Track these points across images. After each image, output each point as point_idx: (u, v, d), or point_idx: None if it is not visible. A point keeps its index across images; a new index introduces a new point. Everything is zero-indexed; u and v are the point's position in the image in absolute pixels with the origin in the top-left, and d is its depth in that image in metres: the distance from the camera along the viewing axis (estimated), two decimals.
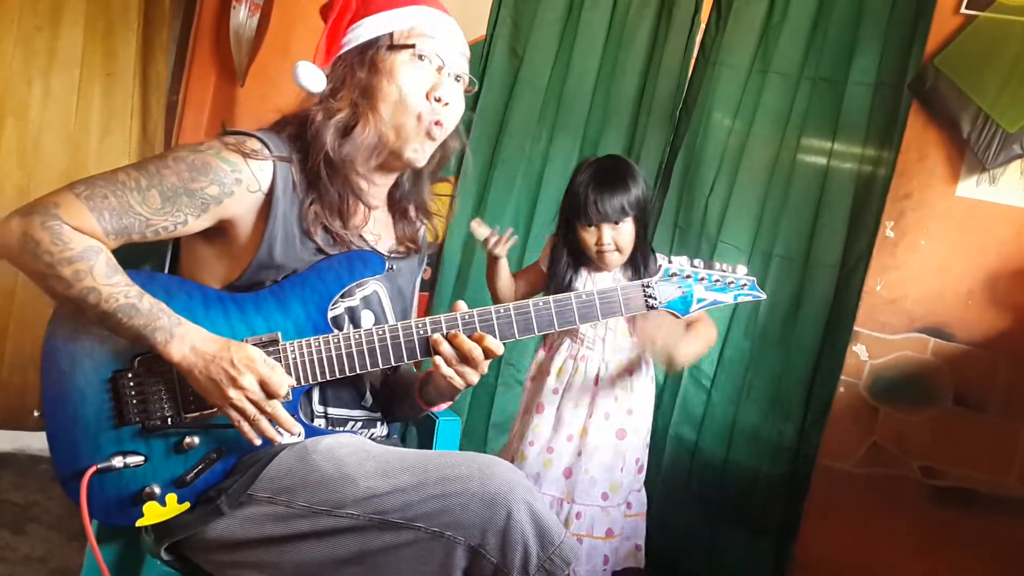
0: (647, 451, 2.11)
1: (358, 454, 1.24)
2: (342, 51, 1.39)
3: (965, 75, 2.03)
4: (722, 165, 2.43)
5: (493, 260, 2.06)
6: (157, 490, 1.26)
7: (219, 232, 1.33)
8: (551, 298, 1.35)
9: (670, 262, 1.44)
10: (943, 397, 2.03)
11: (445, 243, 2.70)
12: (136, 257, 1.52)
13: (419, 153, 1.39)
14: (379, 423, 1.51)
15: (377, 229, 1.47)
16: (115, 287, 1.18)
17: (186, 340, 1.20)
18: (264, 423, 1.22)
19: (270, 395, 1.22)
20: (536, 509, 1.14)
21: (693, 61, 2.49)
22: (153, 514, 1.26)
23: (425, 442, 1.81)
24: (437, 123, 1.37)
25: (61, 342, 1.28)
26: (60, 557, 2.23)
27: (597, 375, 2.04)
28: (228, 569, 1.30)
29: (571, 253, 2.05)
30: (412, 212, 1.53)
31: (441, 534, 1.13)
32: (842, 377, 2.11)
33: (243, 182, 1.29)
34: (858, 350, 2.10)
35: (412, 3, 1.39)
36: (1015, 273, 1.98)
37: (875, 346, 2.09)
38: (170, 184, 1.24)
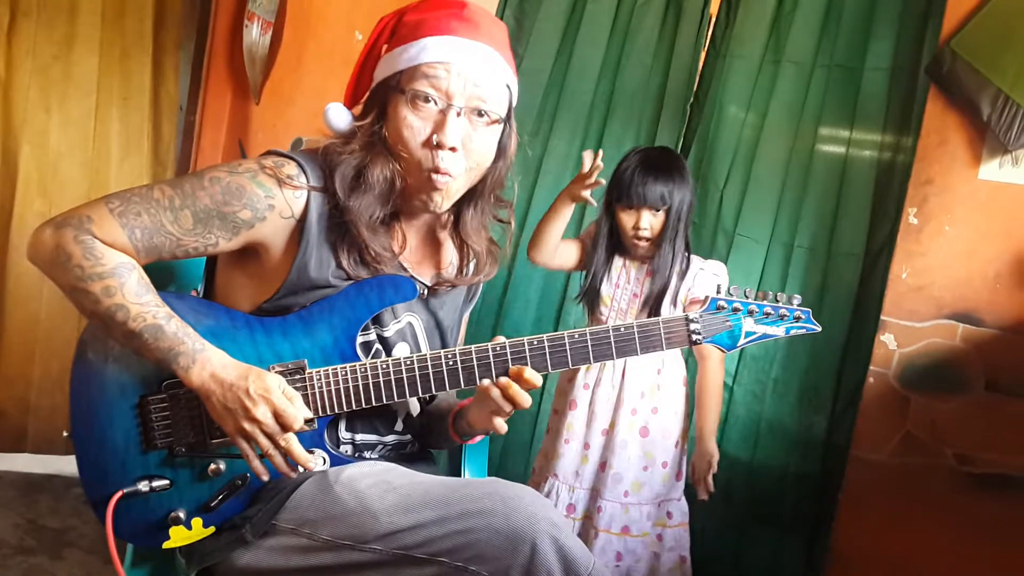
0: (682, 457, 2.10)
1: (379, 487, 1.22)
2: (370, 88, 1.36)
3: (983, 57, 2.01)
4: (736, 157, 2.41)
5: (568, 199, 2.00)
6: (182, 515, 1.27)
7: (251, 254, 1.32)
8: (587, 331, 1.31)
9: (718, 292, 1.38)
10: (974, 383, 2.01)
11: None
12: (171, 277, 1.53)
13: (429, 203, 1.32)
14: (409, 445, 1.50)
15: (416, 257, 1.43)
16: (144, 306, 1.19)
17: (207, 366, 1.20)
18: (278, 459, 1.22)
19: (284, 427, 1.21)
20: (562, 542, 1.11)
21: (704, 53, 2.47)
22: (179, 537, 1.27)
23: (454, 453, 1.81)
24: (437, 171, 1.28)
25: (89, 366, 1.29)
26: None
27: (624, 368, 2.06)
28: None
29: (610, 237, 2.08)
30: (455, 245, 1.48)
31: (465, 568, 1.12)
32: (871, 367, 2.09)
33: (276, 208, 1.28)
34: (886, 339, 2.08)
35: (432, 33, 1.29)
36: None
37: (903, 334, 2.06)
38: (203, 206, 1.24)
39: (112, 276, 1.18)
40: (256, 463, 1.23)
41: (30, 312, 2.88)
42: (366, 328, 1.35)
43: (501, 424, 1.32)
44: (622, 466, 2.04)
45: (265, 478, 1.24)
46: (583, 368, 2.08)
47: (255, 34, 2.39)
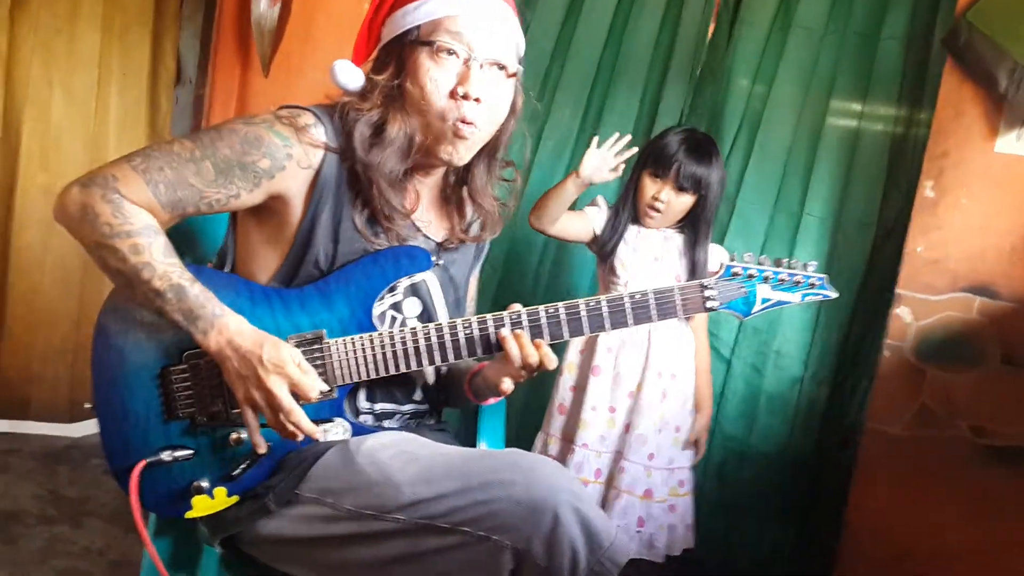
0: (690, 420, 2.12)
1: (401, 457, 1.22)
2: (379, 46, 1.35)
3: (999, 28, 1.99)
4: (742, 125, 2.39)
5: (578, 181, 1.99)
6: (205, 484, 1.27)
7: (269, 213, 1.32)
8: (603, 298, 1.32)
9: (732, 259, 1.37)
10: (990, 356, 2.01)
11: None
12: (189, 248, 1.51)
13: (454, 155, 1.32)
14: (428, 415, 1.50)
15: (428, 216, 1.43)
16: (171, 267, 1.19)
17: (224, 332, 1.20)
18: (286, 428, 1.21)
19: (300, 398, 1.21)
20: (584, 512, 1.11)
21: (713, 21, 2.44)
22: (202, 506, 1.26)
23: (470, 421, 1.81)
24: (464, 121, 1.28)
25: (110, 339, 1.28)
26: (119, 549, 2.28)
27: (649, 331, 2.07)
28: (280, 564, 1.31)
29: (634, 203, 2.09)
30: (465, 202, 1.48)
31: (488, 537, 1.12)
32: (887, 341, 2.09)
33: (294, 157, 1.28)
34: (902, 313, 2.08)
35: None
36: None
37: (919, 308, 2.06)
38: (223, 156, 1.24)
39: (140, 235, 1.18)
40: (256, 436, 1.23)
41: (33, 283, 2.89)
42: (381, 298, 1.35)
43: (508, 385, 1.33)
44: (647, 428, 2.05)
45: (262, 450, 1.24)
46: (602, 334, 2.09)
47: (263, 6, 2.36)
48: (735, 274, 1.37)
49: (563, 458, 2.08)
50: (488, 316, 1.31)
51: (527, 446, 2.23)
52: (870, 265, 2.29)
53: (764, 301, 1.38)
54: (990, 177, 2.01)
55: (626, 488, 2.03)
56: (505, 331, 1.30)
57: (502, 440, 1.77)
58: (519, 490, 1.12)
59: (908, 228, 2.10)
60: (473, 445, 1.73)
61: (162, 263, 1.18)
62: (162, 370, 1.27)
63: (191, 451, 1.27)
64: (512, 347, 1.29)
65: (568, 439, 2.09)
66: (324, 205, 1.31)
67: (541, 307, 1.31)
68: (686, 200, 2.02)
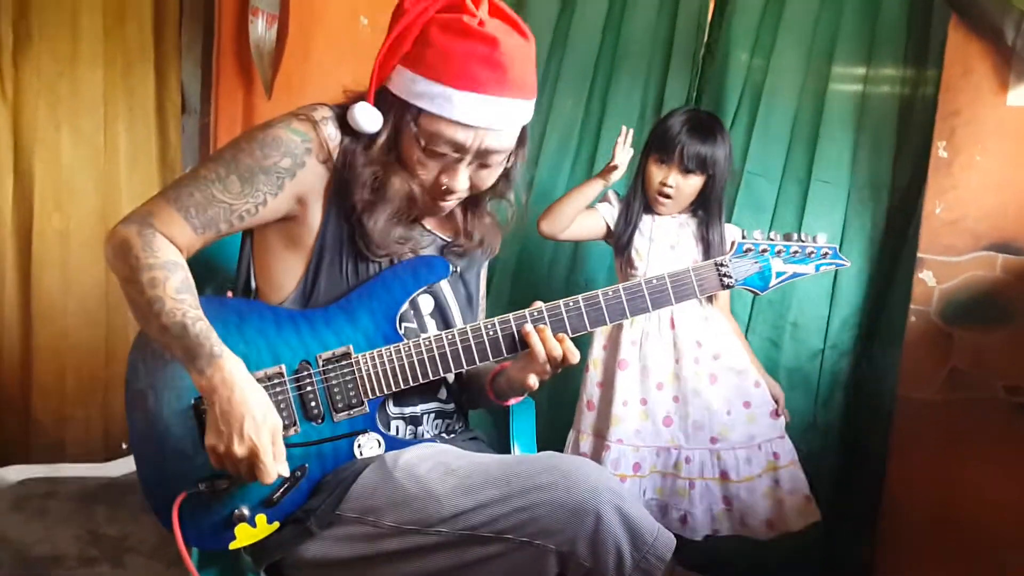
0: (764, 392, 2.07)
1: (438, 469, 1.22)
2: (389, 85, 1.32)
3: None
4: (743, 96, 2.37)
5: (600, 181, 2.03)
6: (246, 512, 1.28)
7: (291, 220, 1.34)
8: (621, 287, 1.33)
9: (744, 237, 1.39)
10: (1018, 313, 1.99)
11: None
12: (207, 278, 1.53)
13: (442, 210, 1.38)
14: (454, 415, 1.51)
15: (433, 222, 1.46)
16: (179, 304, 1.20)
17: (217, 374, 1.20)
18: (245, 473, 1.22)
19: (255, 477, 1.21)
20: (625, 510, 1.12)
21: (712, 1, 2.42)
22: (245, 536, 1.28)
23: (501, 424, 1.81)
24: (447, 192, 1.33)
25: (142, 375, 1.30)
26: None
27: (672, 318, 2.05)
28: None
29: (643, 195, 2.08)
30: (470, 214, 1.50)
31: (531, 543, 1.12)
32: (912, 306, 2.07)
33: (312, 151, 1.30)
34: (924, 276, 2.06)
35: (457, 81, 1.24)
36: None
37: (942, 270, 2.04)
38: (246, 166, 1.27)
39: (160, 269, 1.21)
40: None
41: (57, 326, 2.91)
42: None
43: (534, 381, 1.35)
44: (700, 414, 2.03)
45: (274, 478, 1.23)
46: (626, 326, 2.07)
47: (260, 29, 2.37)
48: (747, 250, 1.39)
49: (597, 454, 2.08)
50: (510, 316, 1.33)
51: (557, 444, 2.23)
52: (887, 229, 2.26)
53: (779, 275, 1.40)
54: (1004, 132, 1.99)
55: (697, 475, 2.03)
56: (528, 327, 1.31)
57: (534, 440, 1.78)
58: (559, 493, 1.12)
59: (924, 191, 2.08)
60: (506, 447, 1.75)
61: (172, 299, 1.20)
62: (195, 401, 1.28)
63: (228, 480, 1.27)
64: (536, 343, 1.30)
65: (600, 435, 2.08)
66: (342, 210, 1.34)
67: (560, 301, 1.33)
68: (695, 182, 2.00)
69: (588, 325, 1.33)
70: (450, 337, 1.32)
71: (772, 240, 1.40)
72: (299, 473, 1.29)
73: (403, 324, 1.39)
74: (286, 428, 1.27)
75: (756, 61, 2.37)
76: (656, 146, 2.02)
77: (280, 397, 1.28)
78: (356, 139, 1.32)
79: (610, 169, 2.02)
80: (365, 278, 1.36)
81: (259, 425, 1.19)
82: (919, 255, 2.06)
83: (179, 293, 1.21)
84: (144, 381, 1.30)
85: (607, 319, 1.34)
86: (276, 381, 1.29)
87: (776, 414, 2.07)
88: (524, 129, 1.39)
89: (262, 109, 2.51)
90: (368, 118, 1.30)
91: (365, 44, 2.55)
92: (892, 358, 2.20)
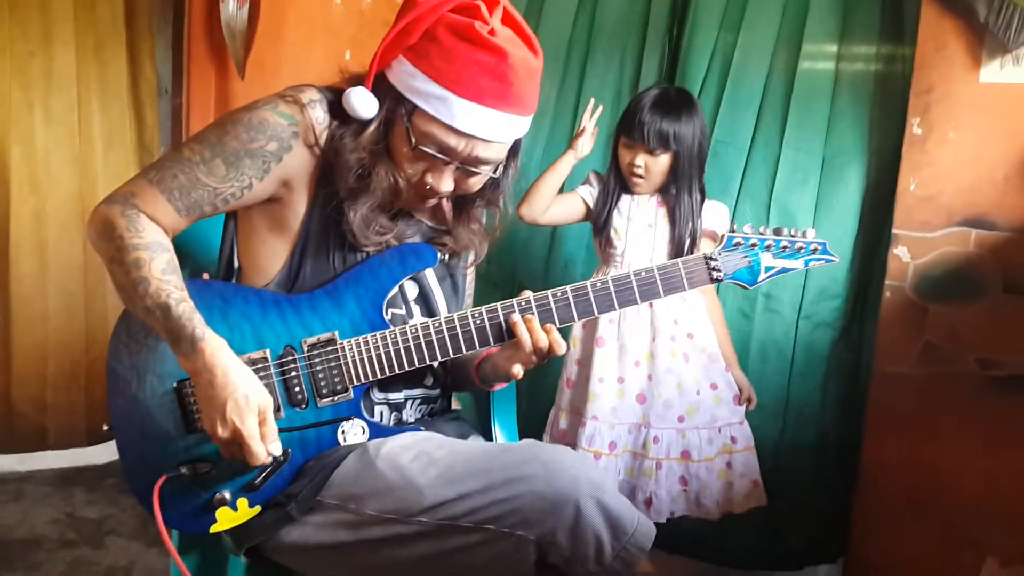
0: (726, 376, 2.11)
1: (420, 459, 1.23)
2: (387, 73, 1.30)
3: None
4: (712, 66, 2.36)
5: (570, 156, 2.08)
6: (228, 495, 1.28)
7: (277, 204, 1.34)
8: (609, 278, 1.34)
9: (733, 230, 1.39)
10: (991, 287, 2.01)
11: None
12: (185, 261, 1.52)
13: (426, 207, 1.40)
14: (439, 399, 1.52)
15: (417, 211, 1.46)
16: (165, 284, 1.20)
17: (200, 357, 1.19)
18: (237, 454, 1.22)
19: (246, 459, 1.21)
20: (605, 501, 1.13)
21: None
22: (226, 519, 1.28)
23: (482, 405, 1.82)
24: (431, 192, 1.33)
25: (124, 357, 1.30)
26: (143, 565, 2.29)
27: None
28: (306, 569, 1.35)
29: (618, 172, 2.10)
30: (454, 216, 1.49)
31: (511, 533, 1.14)
32: (887, 282, 2.09)
33: (300, 135, 1.29)
34: (899, 252, 2.07)
35: (461, 89, 1.23)
36: None
37: (916, 246, 2.06)
38: (231, 149, 1.26)
39: (145, 249, 1.20)
40: (256, 446, 1.22)
41: (37, 311, 2.89)
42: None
43: (519, 370, 1.36)
44: (671, 393, 2.05)
45: (260, 460, 1.23)
46: None
47: (232, 8, 2.33)
48: (737, 244, 1.39)
49: (574, 431, 2.10)
50: (497, 305, 1.33)
51: (538, 424, 2.25)
52: (864, 201, 2.26)
53: (768, 269, 1.41)
54: (977, 108, 2.00)
55: (664, 456, 2.05)
56: (515, 316, 1.31)
57: (515, 421, 1.79)
58: (539, 484, 1.13)
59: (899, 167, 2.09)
60: (487, 429, 1.76)
61: (158, 279, 1.20)
62: (177, 384, 1.29)
63: (210, 464, 1.28)
64: (523, 333, 1.31)
65: (577, 412, 2.11)
66: (330, 195, 1.33)
67: (548, 292, 1.33)
68: (663, 160, 2.01)
69: (576, 316, 1.34)
70: (436, 325, 1.32)
71: (762, 234, 1.40)
72: (282, 458, 1.29)
73: (390, 310, 1.39)
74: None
75: (726, 35, 2.37)
76: (624, 128, 2.04)
77: (264, 382, 1.28)
78: (344, 124, 1.30)
79: (577, 136, 2.05)
80: (352, 264, 1.36)
81: (242, 408, 1.19)
82: (894, 231, 2.08)
83: (164, 274, 1.20)
84: (126, 363, 1.30)
85: (595, 310, 1.34)
86: (260, 366, 1.29)
87: (739, 400, 2.11)
88: (518, 141, 1.39)
89: (235, 90, 2.48)
90: (364, 104, 1.28)
91: (338, 24, 2.53)
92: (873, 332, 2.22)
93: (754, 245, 1.39)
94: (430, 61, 1.24)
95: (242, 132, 1.27)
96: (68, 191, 2.89)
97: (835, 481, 2.30)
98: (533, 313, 1.32)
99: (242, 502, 1.29)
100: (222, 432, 1.19)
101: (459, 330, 1.32)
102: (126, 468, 1.31)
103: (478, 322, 1.32)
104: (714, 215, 2.12)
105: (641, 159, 2.00)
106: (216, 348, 1.20)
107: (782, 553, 2.37)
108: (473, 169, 1.32)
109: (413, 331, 1.32)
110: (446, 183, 1.32)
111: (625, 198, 2.11)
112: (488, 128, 1.26)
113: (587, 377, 2.08)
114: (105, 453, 2.98)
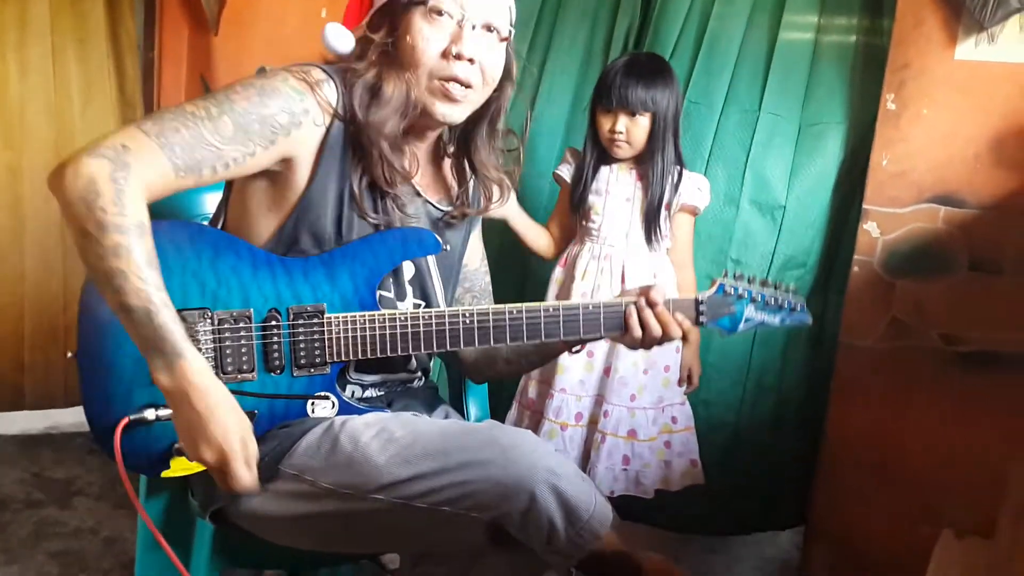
0: (678, 357, 2.11)
1: (381, 437, 1.24)
2: (372, 8, 1.35)
3: None
4: (685, 29, 2.34)
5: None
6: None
7: (275, 177, 1.32)
8: (601, 303, 1.37)
9: (724, 276, 1.44)
10: (958, 264, 2.03)
11: None
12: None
13: (448, 116, 1.35)
14: (417, 380, 1.52)
15: (426, 180, 1.46)
16: (145, 283, 1.08)
17: (181, 378, 1.10)
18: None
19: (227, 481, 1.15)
20: (562, 488, 1.14)
21: None
22: (179, 467, 1.26)
23: (454, 376, 1.83)
24: (454, 79, 1.31)
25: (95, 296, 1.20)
26: (110, 526, 2.30)
27: (623, 273, 2.07)
28: (268, 536, 1.35)
29: (595, 145, 2.10)
30: (466, 170, 1.50)
31: (466, 515, 1.16)
32: (856, 256, 2.10)
33: (310, 112, 1.29)
34: (869, 228, 2.09)
35: None
36: (1020, 131, 1.95)
37: (886, 221, 2.07)
38: (241, 108, 1.21)
39: (127, 233, 1.07)
40: (240, 469, 1.16)
41: (12, 269, 2.86)
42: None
43: None
44: (628, 370, 2.06)
45: (247, 484, 1.18)
46: (578, 277, 2.10)
47: None
48: (726, 293, 1.44)
49: (542, 401, 2.12)
50: (489, 309, 1.33)
51: (509, 392, 2.26)
52: (839, 176, 2.26)
53: (747, 320, 1.46)
54: (951, 86, 2.00)
55: (611, 431, 2.06)
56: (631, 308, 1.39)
57: (486, 394, 1.81)
58: (496, 470, 1.14)
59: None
60: (459, 400, 1.77)
61: (136, 276, 1.08)
62: None
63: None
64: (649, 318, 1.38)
65: (547, 382, 2.12)
66: (331, 171, 1.32)
67: (540, 304, 1.35)
68: (643, 122, 2.02)
69: (562, 334, 1.37)
70: (427, 317, 1.32)
71: (750, 286, 1.45)
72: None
73: (379, 291, 1.38)
74: (244, 373, 1.27)
75: (703, 3, 2.34)
76: (600, 96, 2.05)
77: (243, 342, 1.27)
78: (353, 97, 1.31)
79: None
80: (349, 238, 1.34)
81: (227, 432, 1.13)
82: (864, 206, 2.09)
83: (143, 269, 1.08)
84: (97, 300, 1.20)
85: (581, 330, 1.37)
86: (242, 324, 1.27)
87: (681, 380, 2.14)
88: (511, 63, 1.42)
89: (209, 45, 2.44)
90: (340, 38, 1.33)
91: None
92: (837, 302, 2.24)
93: (741, 296, 1.44)
94: None
95: (253, 95, 1.23)
96: (42, 144, 2.85)
97: (795, 447, 2.32)
98: (522, 324, 1.34)
99: None
100: (207, 455, 1.13)
101: (447, 327, 1.32)
102: (87, 402, 1.24)
103: (467, 322, 1.32)
104: (695, 188, 2.11)
105: (622, 123, 2.02)
106: (199, 369, 1.11)
107: (743, 518, 2.40)
108: (486, 33, 1.33)
109: (403, 319, 1.31)
110: (469, 44, 1.31)
111: (603, 171, 2.11)
112: None
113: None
114: (81, 416, 2.96)
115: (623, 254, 2.08)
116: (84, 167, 1.08)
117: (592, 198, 2.11)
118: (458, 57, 1.30)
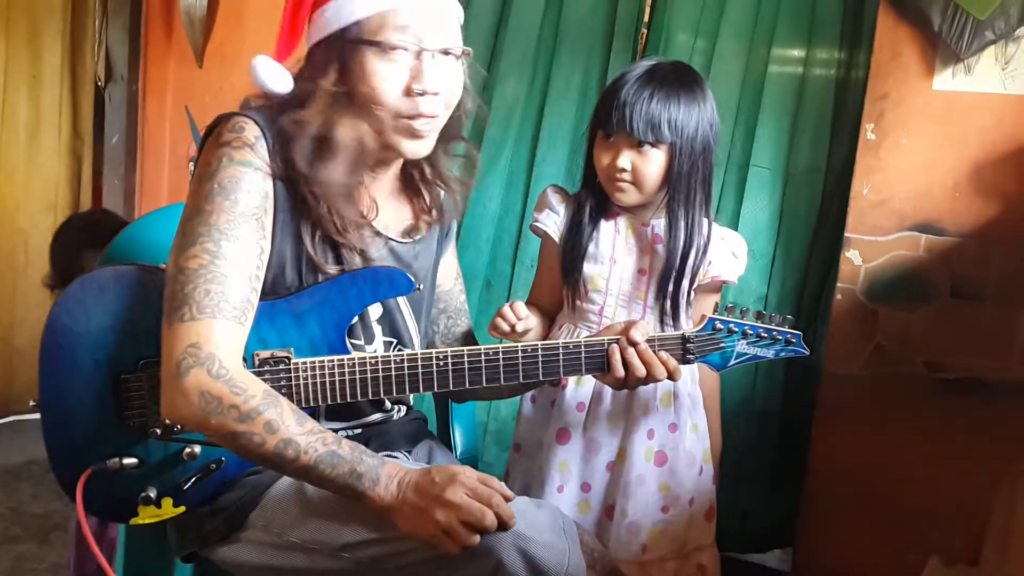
0: (702, 479, 1.65)
1: None
2: (311, 43, 1.26)
3: None
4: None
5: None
6: (152, 495, 1.24)
7: None
8: (582, 342, 1.33)
9: (715, 311, 1.34)
10: (940, 291, 2.04)
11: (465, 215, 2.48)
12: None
13: (417, 153, 1.27)
14: (396, 413, 1.47)
15: (386, 214, 1.38)
16: (311, 435, 1.11)
17: (392, 480, 1.13)
18: (488, 519, 1.09)
19: (484, 499, 1.10)
20: (531, 553, 1.10)
21: None
22: (147, 515, 1.24)
23: (441, 407, 1.81)
24: (420, 116, 1.22)
25: (62, 339, 1.21)
26: (90, 564, 2.25)
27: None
28: None
29: (594, 193, 1.58)
30: (424, 188, 1.43)
31: None
32: (838, 284, 2.12)
33: (264, 174, 1.21)
34: (851, 256, 2.11)
35: None
36: (998, 160, 1.98)
37: (867, 249, 2.09)
38: (225, 224, 1.16)
39: (267, 408, 1.10)
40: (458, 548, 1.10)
41: (6, 283, 2.87)
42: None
43: None
44: (638, 511, 1.56)
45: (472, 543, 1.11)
46: (572, 383, 1.61)
47: None
48: (716, 328, 1.37)
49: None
50: (464, 350, 1.30)
51: (498, 425, 2.24)
52: (822, 212, 2.31)
53: (739, 356, 1.40)
54: (929, 115, 2.03)
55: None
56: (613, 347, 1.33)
57: (474, 424, 1.79)
58: None
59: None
60: (446, 431, 1.75)
61: (301, 435, 1.10)
62: (116, 377, 1.22)
63: (138, 460, 1.23)
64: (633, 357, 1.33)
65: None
66: (284, 232, 1.26)
67: (519, 345, 1.31)
68: (656, 156, 1.49)
69: (542, 375, 1.33)
70: (399, 361, 1.27)
71: (742, 320, 1.37)
72: (214, 466, 1.26)
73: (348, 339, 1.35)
74: None
75: (699, 43, 2.38)
76: (600, 118, 1.52)
77: None
78: (280, 136, 1.23)
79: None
80: (311, 282, 1.29)
81: (446, 469, 1.12)
82: (846, 235, 2.11)
83: (300, 425, 1.11)
84: (65, 343, 1.21)
85: (561, 371, 1.33)
86: None
87: (710, 516, 1.71)
88: (466, 67, 1.32)
89: (193, 77, 2.44)
90: (274, 75, 1.23)
91: None
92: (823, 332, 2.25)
93: (732, 331, 1.38)
94: None
95: (220, 200, 1.16)
96: None
97: (789, 480, 2.32)
98: (499, 365, 1.30)
99: (167, 501, 1.25)
100: (452, 494, 1.09)
101: (420, 369, 1.28)
102: (51, 450, 1.23)
103: (441, 364, 1.28)
104: (730, 254, 1.60)
105: (625, 156, 1.49)
106: (394, 463, 1.15)
107: (732, 538, 2.39)
108: (443, 56, 1.24)
109: (372, 362, 1.26)
110: (431, 78, 1.21)
111: (606, 228, 1.57)
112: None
113: (543, 481, 1.61)
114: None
115: None
116: (186, 390, 1.09)
117: (591, 268, 1.58)
118: (422, 94, 1.21)
